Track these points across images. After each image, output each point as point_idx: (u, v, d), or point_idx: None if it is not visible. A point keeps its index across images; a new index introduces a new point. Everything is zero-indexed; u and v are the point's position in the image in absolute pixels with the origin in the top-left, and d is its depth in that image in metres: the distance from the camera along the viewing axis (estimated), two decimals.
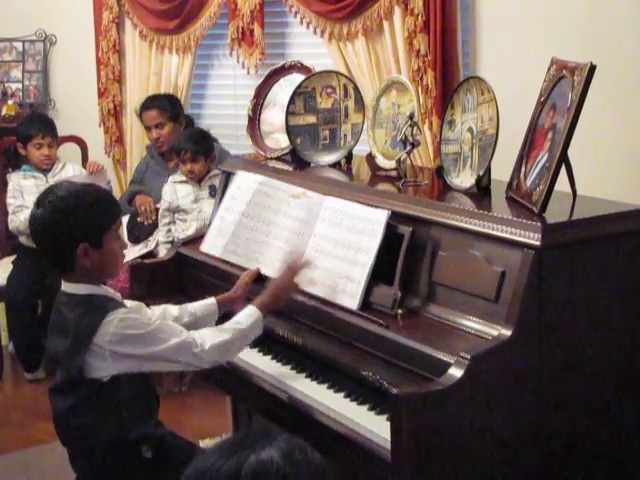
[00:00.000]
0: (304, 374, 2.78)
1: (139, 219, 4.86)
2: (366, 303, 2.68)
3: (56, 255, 2.61)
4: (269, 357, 2.92)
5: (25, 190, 4.99)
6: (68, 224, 2.56)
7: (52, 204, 2.56)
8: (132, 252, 4.73)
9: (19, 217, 4.91)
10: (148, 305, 3.38)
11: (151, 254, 4.69)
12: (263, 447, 1.45)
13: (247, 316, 2.73)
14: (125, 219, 4.81)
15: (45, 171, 5.03)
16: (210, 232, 3.35)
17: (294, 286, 2.82)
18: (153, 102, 5.03)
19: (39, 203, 2.59)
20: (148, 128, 5.03)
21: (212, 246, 3.29)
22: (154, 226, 4.82)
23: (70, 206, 2.56)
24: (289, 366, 2.84)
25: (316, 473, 1.45)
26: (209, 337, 2.65)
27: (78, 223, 2.57)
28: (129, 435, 2.62)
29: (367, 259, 2.71)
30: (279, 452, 1.44)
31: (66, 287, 2.65)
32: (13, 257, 5.12)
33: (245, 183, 3.28)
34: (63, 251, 2.58)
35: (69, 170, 5.05)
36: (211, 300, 2.93)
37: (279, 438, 1.47)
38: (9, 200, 5.01)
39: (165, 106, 4.99)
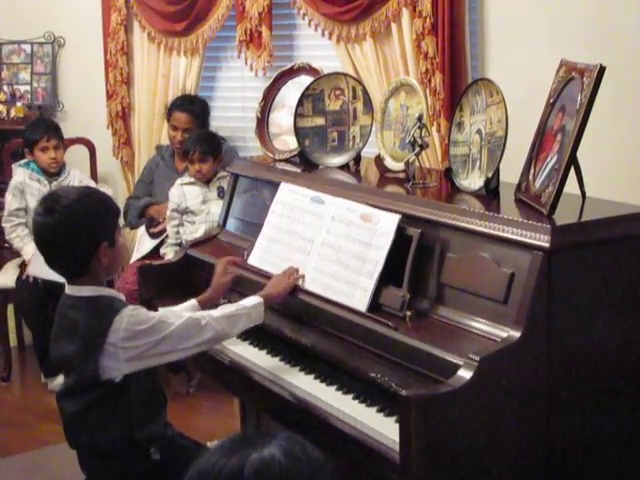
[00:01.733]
0: (312, 375, 2.78)
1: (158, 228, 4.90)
2: (375, 305, 2.69)
3: (72, 259, 2.60)
4: (277, 358, 2.92)
5: (27, 190, 4.98)
6: (90, 225, 2.57)
7: (69, 207, 2.55)
8: (149, 244, 4.86)
9: (16, 232, 4.97)
10: (157, 306, 3.41)
11: (159, 256, 4.71)
12: (264, 445, 1.46)
13: (250, 299, 2.85)
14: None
15: (51, 178, 5.03)
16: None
17: (290, 283, 2.92)
18: (189, 106, 5.00)
19: (50, 210, 2.55)
20: (174, 127, 5.01)
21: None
22: None
23: (89, 207, 2.58)
24: (297, 367, 2.84)
25: (318, 469, 1.47)
26: (215, 311, 2.75)
27: (98, 223, 2.60)
28: (137, 436, 2.63)
29: (377, 262, 2.71)
30: (280, 449, 1.46)
31: (71, 290, 2.65)
32: (20, 259, 5.12)
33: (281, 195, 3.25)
34: (82, 253, 2.58)
35: (75, 181, 5.01)
36: (193, 302, 2.96)
37: (278, 436, 1.49)
38: (7, 196, 5.01)
39: (199, 113, 4.98)
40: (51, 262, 2.64)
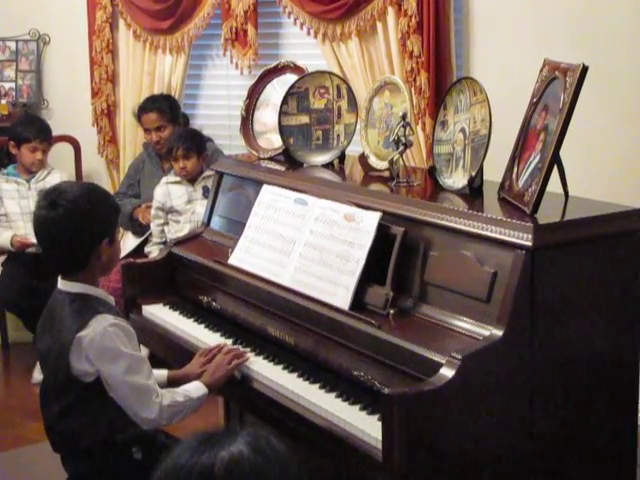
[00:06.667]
0: (296, 374, 2.78)
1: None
2: (358, 303, 2.69)
3: (73, 253, 2.59)
4: (261, 357, 2.92)
5: (5, 194, 4.98)
6: (94, 221, 2.58)
7: (73, 202, 2.55)
8: (133, 242, 4.89)
9: None
10: (140, 305, 3.40)
11: (143, 254, 4.70)
12: (230, 443, 1.47)
13: (196, 389, 2.75)
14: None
15: (29, 176, 5.02)
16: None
17: (230, 369, 2.84)
18: (153, 104, 5.00)
19: (53, 204, 2.55)
20: (147, 130, 5.01)
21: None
22: None
23: (92, 203, 2.58)
24: (281, 366, 2.84)
25: (284, 462, 1.48)
26: (166, 394, 2.66)
27: (103, 219, 2.61)
28: (119, 437, 2.63)
29: (358, 260, 2.71)
30: (247, 446, 1.47)
31: (62, 285, 2.66)
32: (2, 258, 5.11)
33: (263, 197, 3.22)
34: (83, 249, 2.58)
35: (56, 178, 4.95)
36: (163, 372, 2.89)
37: (243, 432, 1.50)
38: None
39: (165, 108, 4.97)
40: (50, 256, 2.64)
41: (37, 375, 4.83)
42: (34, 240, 4.57)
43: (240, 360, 2.87)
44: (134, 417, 2.60)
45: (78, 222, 2.55)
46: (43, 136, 5.00)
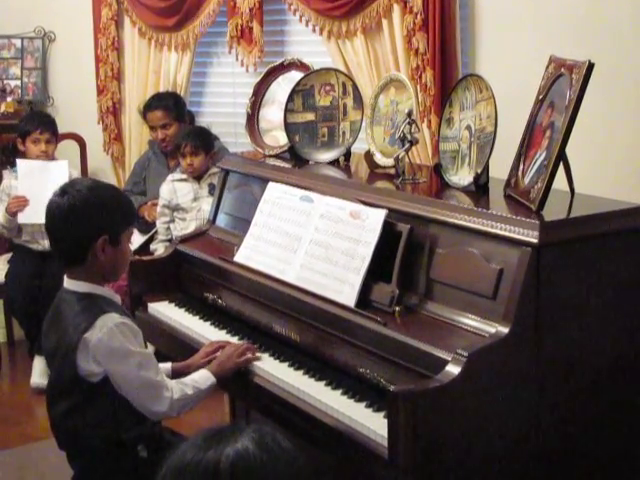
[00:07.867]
0: (302, 371, 2.78)
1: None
2: (364, 300, 2.69)
3: (72, 244, 2.62)
4: (267, 354, 2.92)
5: (14, 191, 4.98)
6: (94, 213, 2.60)
7: (80, 193, 2.60)
8: (138, 240, 4.87)
9: None
10: (146, 302, 3.40)
11: (149, 252, 4.70)
12: (236, 438, 1.47)
13: (205, 379, 2.77)
14: None
15: None
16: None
17: (240, 363, 2.84)
18: (158, 102, 5.00)
19: (63, 192, 2.61)
20: (153, 128, 5.01)
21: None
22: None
23: (99, 197, 2.62)
24: (287, 363, 2.84)
25: (290, 459, 1.49)
26: (176, 388, 2.68)
27: (104, 214, 2.62)
28: (124, 436, 2.63)
29: (364, 257, 2.71)
30: (253, 442, 1.47)
31: (68, 284, 2.66)
32: (9, 255, 5.12)
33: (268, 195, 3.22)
34: (81, 240, 2.60)
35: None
36: (167, 365, 2.90)
37: (248, 428, 1.50)
38: None
39: (170, 106, 4.98)
40: (53, 243, 2.69)
41: (35, 379, 4.81)
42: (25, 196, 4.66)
43: (251, 356, 2.87)
44: (144, 411, 2.62)
45: (79, 212, 2.59)
46: (44, 127, 4.99)
